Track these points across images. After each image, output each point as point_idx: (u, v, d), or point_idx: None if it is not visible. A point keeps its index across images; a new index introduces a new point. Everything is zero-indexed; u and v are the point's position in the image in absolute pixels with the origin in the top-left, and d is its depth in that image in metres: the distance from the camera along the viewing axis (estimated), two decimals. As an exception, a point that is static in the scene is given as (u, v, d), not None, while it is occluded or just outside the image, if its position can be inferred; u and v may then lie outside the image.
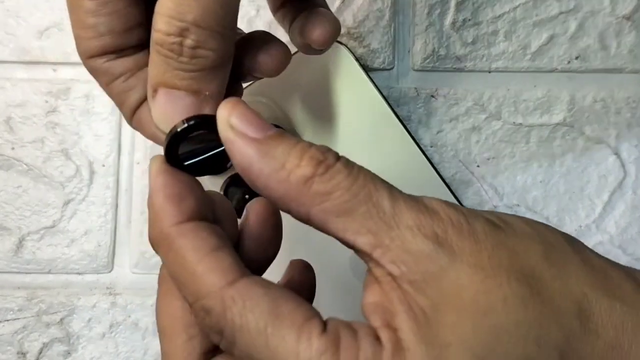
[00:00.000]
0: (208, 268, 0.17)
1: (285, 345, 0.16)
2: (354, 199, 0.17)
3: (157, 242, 0.18)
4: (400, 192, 0.18)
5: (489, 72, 0.34)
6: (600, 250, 0.34)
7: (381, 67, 0.34)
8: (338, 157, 0.18)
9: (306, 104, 0.32)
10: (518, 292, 0.17)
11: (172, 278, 0.18)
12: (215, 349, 0.19)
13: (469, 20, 0.34)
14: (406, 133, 0.32)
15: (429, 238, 0.17)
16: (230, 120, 0.18)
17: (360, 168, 0.18)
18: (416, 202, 0.18)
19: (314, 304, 0.20)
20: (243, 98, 0.32)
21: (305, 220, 0.18)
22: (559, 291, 0.17)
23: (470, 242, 0.17)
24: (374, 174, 0.18)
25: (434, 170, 0.32)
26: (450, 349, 0.16)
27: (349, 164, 0.18)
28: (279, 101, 0.32)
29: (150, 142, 0.33)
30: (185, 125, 0.19)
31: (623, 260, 0.34)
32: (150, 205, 0.18)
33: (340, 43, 0.32)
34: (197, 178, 0.21)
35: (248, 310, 0.16)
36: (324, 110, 0.32)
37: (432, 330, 0.16)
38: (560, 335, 0.17)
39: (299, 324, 0.16)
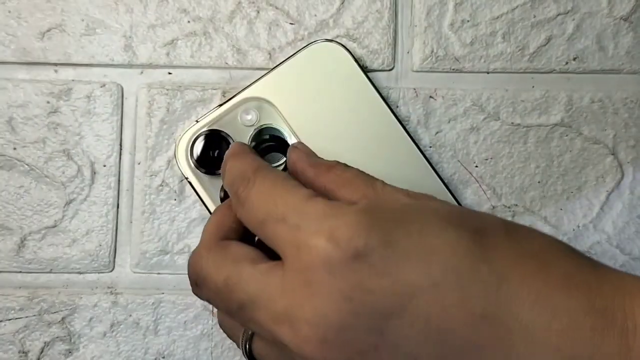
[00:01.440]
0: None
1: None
2: (358, 177, 0.25)
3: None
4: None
5: (488, 72, 0.35)
6: (597, 249, 0.34)
7: (380, 68, 0.34)
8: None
9: (305, 105, 0.32)
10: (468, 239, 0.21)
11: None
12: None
13: (468, 21, 0.34)
14: (405, 133, 0.32)
15: (405, 195, 0.24)
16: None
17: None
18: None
19: None
20: (243, 97, 0.32)
21: (320, 190, 0.25)
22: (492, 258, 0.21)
23: (437, 202, 0.24)
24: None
25: (432, 171, 0.32)
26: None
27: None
28: (278, 102, 0.32)
29: (151, 143, 0.34)
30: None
31: (620, 260, 0.34)
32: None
33: (339, 44, 0.32)
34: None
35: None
36: (322, 111, 0.32)
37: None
38: (484, 291, 0.20)
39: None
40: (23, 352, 0.33)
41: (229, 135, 0.32)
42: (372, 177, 0.26)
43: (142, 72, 0.34)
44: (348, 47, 0.32)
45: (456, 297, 0.20)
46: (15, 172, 0.34)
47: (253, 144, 0.32)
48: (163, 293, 0.34)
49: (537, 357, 0.20)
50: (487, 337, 0.20)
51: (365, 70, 0.33)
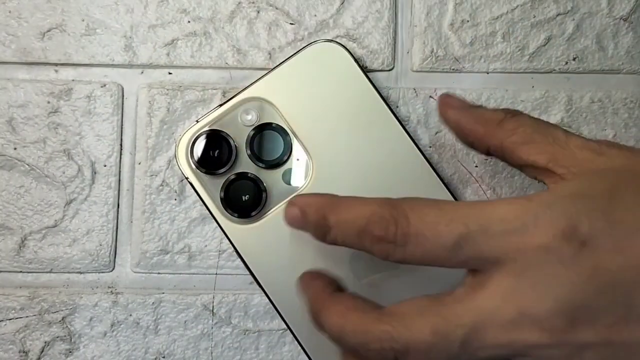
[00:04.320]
0: None
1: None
2: (536, 132, 0.24)
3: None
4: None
5: (487, 73, 0.35)
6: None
7: (380, 68, 0.34)
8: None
9: (305, 105, 0.32)
10: None
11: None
12: None
13: (467, 21, 0.34)
14: (405, 133, 0.32)
15: (592, 150, 0.23)
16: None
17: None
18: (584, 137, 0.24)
19: None
20: (243, 97, 0.32)
21: (496, 149, 0.25)
22: None
23: (626, 153, 0.23)
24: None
25: (432, 171, 0.32)
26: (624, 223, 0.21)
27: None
28: (278, 102, 0.32)
29: (151, 143, 0.34)
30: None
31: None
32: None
33: (339, 44, 0.32)
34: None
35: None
36: (322, 111, 0.32)
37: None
38: None
39: None
40: (23, 352, 0.33)
41: (229, 135, 0.32)
42: (549, 126, 0.25)
43: (142, 72, 0.34)
44: (348, 47, 0.32)
45: None
46: (15, 172, 0.34)
47: (252, 132, 0.32)
48: (163, 293, 0.34)
49: None
50: None
51: (364, 70, 0.33)
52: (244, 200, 0.32)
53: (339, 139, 0.32)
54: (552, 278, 0.21)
